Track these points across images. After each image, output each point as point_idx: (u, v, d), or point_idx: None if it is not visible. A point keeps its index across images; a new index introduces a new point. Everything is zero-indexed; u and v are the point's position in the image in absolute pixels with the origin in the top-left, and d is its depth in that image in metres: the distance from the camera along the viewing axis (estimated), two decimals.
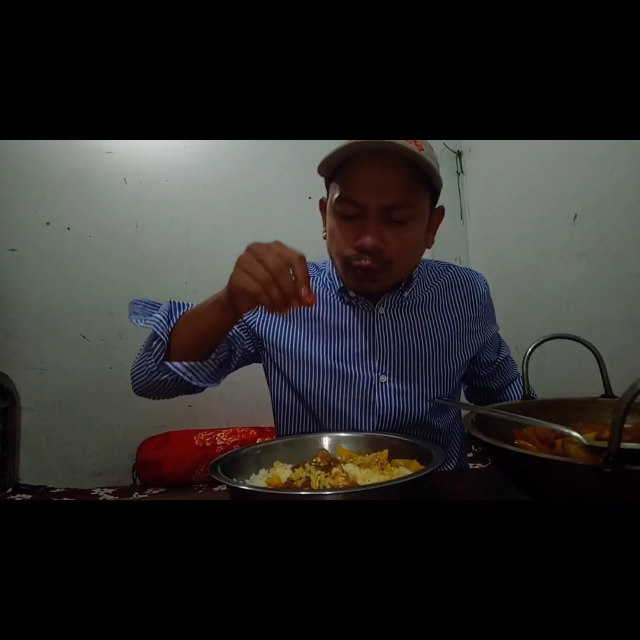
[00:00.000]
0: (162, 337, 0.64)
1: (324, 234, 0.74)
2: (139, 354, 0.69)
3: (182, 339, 0.65)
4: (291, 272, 0.53)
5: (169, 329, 0.65)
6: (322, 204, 0.75)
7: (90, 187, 1.85)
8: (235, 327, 0.76)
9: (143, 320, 0.66)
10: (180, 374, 0.65)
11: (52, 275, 1.81)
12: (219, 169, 1.98)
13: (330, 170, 0.68)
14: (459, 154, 2.14)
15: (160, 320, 0.65)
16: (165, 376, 0.66)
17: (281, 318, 0.77)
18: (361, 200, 0.64)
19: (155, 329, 0.64)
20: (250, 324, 0.78)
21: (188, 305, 0.70)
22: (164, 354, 0.65)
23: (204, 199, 1.96)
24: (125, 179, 1.89)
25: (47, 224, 1.81)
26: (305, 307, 0.77)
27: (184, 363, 0.65)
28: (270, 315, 0.78)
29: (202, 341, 0.66)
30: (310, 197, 1.94)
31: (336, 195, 0.67)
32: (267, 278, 0.51)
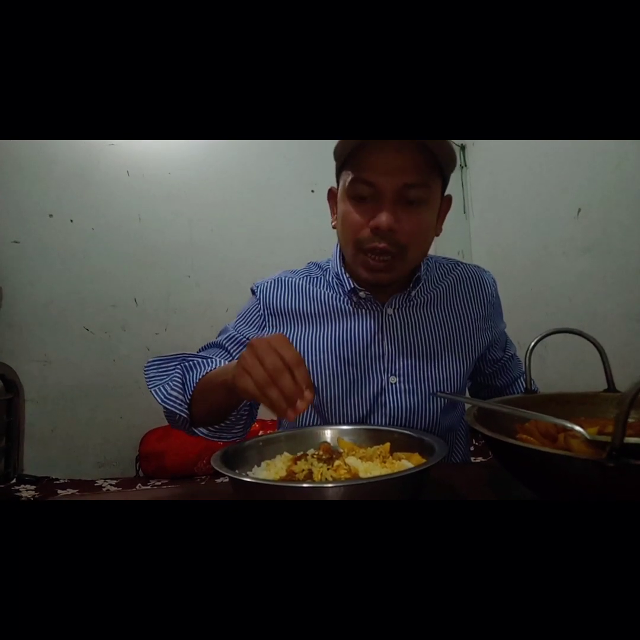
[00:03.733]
0: (182, 414, 0.67)
1: (333, 223, 0.74)
2: (165, 409, 0.70)
3: (200, 410, 0.67)
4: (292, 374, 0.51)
5: (187, 402, 0.67)
6: (331, 193, 0.75)
7: (93, 179, 1.85)
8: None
9: (162, 395, 0.68)
10: (208, 438, 0.70)
11: (56, 268, 1.81)
12: (221, 162, 1.97)
13: (343, 155, 0.67)
14: (462, 148, 2.12)
15: (177, 398, 0.67)
16: (196, 435, 0.71)
17: (289, 330, 0.77)
18: (376, 180, 0.63)
19: (175, 410, 0.66)
20: None
21: (200, 365, 0.70)
22: (188, 423, 0.69)
23: (207, 192, 1.95)
24: (128, 171, 1.89)
25: (50, 216, 1.81)
26: (313, 314, 0.77)
27: (209, 428, 0.70)
28: (277, 330, 0.78)
29: (218, 412, 0.67)
30: (312, 190, 1.93)
31: (350, 178, 0.65)
32: (266, 380, 0.49)
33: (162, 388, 0.68)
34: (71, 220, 1.83)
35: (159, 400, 0.68)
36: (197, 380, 0.67)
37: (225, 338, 0.78)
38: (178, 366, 0.71)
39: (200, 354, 0.77)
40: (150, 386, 0.70)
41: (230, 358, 0.77)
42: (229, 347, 0.77)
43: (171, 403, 0.66)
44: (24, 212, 1.79)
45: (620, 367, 0.64)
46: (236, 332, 0.79)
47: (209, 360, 0.72)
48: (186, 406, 0.66)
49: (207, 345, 0.80)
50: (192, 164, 1.94)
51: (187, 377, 0.68)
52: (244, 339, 0.78)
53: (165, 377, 0.71)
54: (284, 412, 0.49)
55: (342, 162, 0.68)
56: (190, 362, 0.71)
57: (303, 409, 0.50)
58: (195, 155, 1.95)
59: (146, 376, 0.72)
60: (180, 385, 0.67)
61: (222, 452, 0.55)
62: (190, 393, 0.66)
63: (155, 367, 0.72)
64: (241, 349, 0.77)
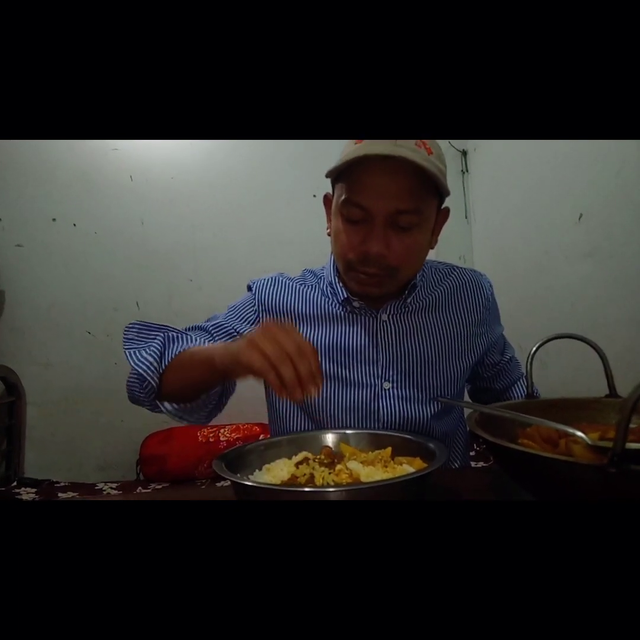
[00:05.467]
0: (151, 381, 0.64)
1: (328, 230, 0.73)
2: (131, 375, 0.68)
3: (172, 383, 0.65)
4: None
5: (161, 371, 0.65)
6: (327, 199, 0.74)
7: (96, 183, 1.86)
8: (228, 340, 0.76)
9: (135, 358, 0.66)
10: (171, 416, 0.68)
11: (58, 272, 1.82)
12: (224, 167, 1.98)
13: (337, 171, 0.66)
14: (464, 153, 2.13)
15: (151, 364, 0.64)
16: (157, 410, 0.69)
17: None
18: (368, 205, 0.63)
19: (145, 374, 0.64)
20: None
21: (182, 339, 0.68)
22: (155, 393, 0.66)
23: (210, 197, 1.96)
24: (131, 176, 1.90)
25: (53, 220, 1.83)
26: (308, 315, 0.76)
27: (174, 405, 0.67)
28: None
29: (191, 389, 0.66)
30: (314, 195, 1.94)
31: (342, 198, 0.65)
32: (282, 356, 0.48)
33: (136, 351, 0.67)
34: (74, 224, 1.84)
35: (131, 362, 0.65)
36: (177, 352, 0.65)
37: (213, 325, 0.77)
38: (160, 336, 0.69)
39: (183, 331, 0.75)
40: (125, 347, 0.69)
41: (213, 343, 0.75)
42: (214, 334, 0.76)
43: (143, 367, 0.64)
44: (27, 216, 1.80)
45: (622, 373, 0.64)
46: (225, 322, 0.77)
47: (192, 337, 0.70)
48: (158, 374, 0.65)
49: (192, 326, 0.79)
50: (194, 169, 1.96)
51: (168, 347, 0.67)
52: (232, 331, 0.77)
53: (143, 343, 0.69)
54: (294, 390, 0.48)
55: (337, 175, 0.67)
56: (173, 335, 0.69)
57: (315, 393, 0.49)
58: (198, 160, 1.96)
59: (125, 337, 0.70)
60: (158, 353, 0.65)
61: (223, 456, 0.55)
62: (167, 363, 0.65)
63: (136, 331, 0.71)
64: (227, 339, 0.76)
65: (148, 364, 0.64)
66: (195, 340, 0.70)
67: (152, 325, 0.72)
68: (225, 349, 0.56)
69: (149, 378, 0.64)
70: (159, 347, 0.66)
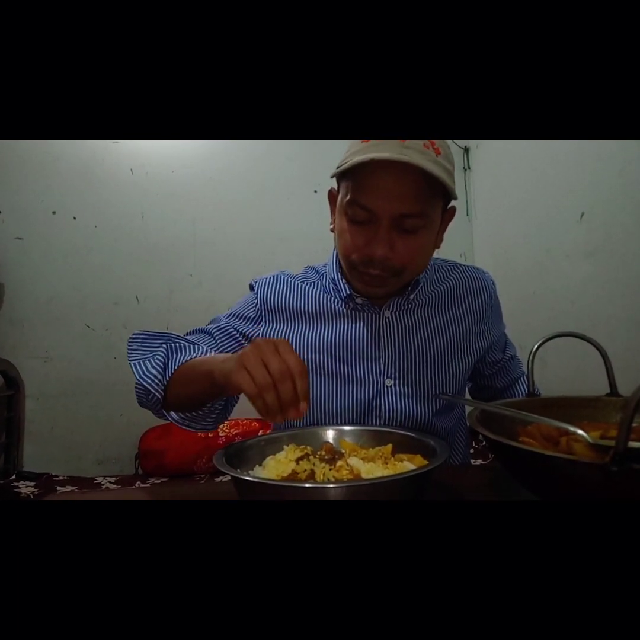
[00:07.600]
0: (156, 394, 0.65)
1: (332, 226, 0.73)
2: (138, 385, 0.68)
3: (176, 394, 0.66)
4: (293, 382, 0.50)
5: (165, 383, 0.65)
6: (331, 195, 0.73)
7: (96, 177, 1.85)
8: (231, 342, 0.76)
9: (140, 370, 0.66)
10: (178, 425, 0.69)
11: (58, 265, 1.81)
12: (225, 162, 1.98)
13: (344, 167, 0.64)
14: (466, 150, 2.13)
15: (155, 377, 0.65)
16: (164, 418, 0.70)
17: (285, 326, 0.77)
18: (373, 207, 0.62)
19: (150, 388, 0.65)
20: (251, 337, 0.77)
21: (185, 348, 0.68)
22: (161, 404, 0.67)
23: (210, 191, 1.96)
24: (131, 169, 1.89)
25: (53, 213, 1.82)
26: (310, 313, 0.76)
27: (180, 414, 0.69)
28: (272, 326, 0.77)
29: (194, 400, 0.66)
30: (316, 191, 1.94)
31: (347, 197, 0.64)
32: (267, 383, 0.48)
33: (141, 363, 0.67)
34: (74, 218, 1.84)
35: (136, 375, 0.66)
36: (180, 364, 0.65)
37: (215, 327, 0.77)
38: (163, 346, 0.69)
39: (186, 337, 0.75)
40: (130, 359, 0.69)
41: (216, 347, 0.75)
42: (217, 337, 0.76)
43: (148, 381, 0.65)
44: (27, 209, 1.79)
45: (622, 371, 0.64)
46: (227, 324, 0.78)
47: (195, 345, 0.70)
48: (162, 387, 0.65)
49: (194, 330, 0.79)
50: (195, 163, 1.95)
51: (171, 358, 0.67)
52: (234, 332, 0.77)
53: (147, 353, 0.70)
54: (274, 417, 0.48)
55: (343, 172, 0.65)
56: (177, 344, 0.69)
57: (293, 418, 0.49)
58: (198, 154, 1.95)
59: (129, 348, 0.71)
60: (162, 365, 0.66)
61: (224, 451, 0.55)
62: (170, 375, 0.65)
63: (140, 341, 0.71)
64: (228, 341, 0.76)
65: (152, 377, 0.65)
66: (199, 348, 0.69)
67: (156, 333, 0.73)
68: (222, 365, 0.55)
69: (154, 391, 0.65)
70: (163, 359, 0.66)
